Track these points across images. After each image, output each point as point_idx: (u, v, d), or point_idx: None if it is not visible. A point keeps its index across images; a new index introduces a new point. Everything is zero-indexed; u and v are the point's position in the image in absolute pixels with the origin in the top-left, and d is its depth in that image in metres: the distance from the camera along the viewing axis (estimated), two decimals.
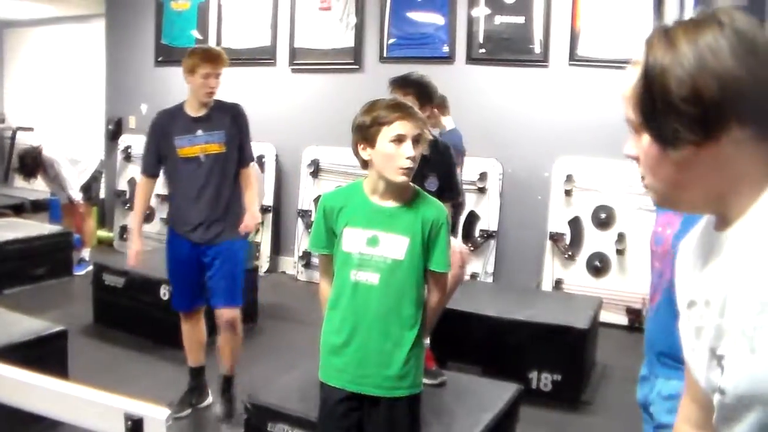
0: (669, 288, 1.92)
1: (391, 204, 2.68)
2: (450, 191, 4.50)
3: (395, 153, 2.59)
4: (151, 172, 4.32)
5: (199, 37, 8.58)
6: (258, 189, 4.63)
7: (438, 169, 3.97)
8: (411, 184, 2.72)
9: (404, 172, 2.61)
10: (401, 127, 2.60)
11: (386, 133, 2.60)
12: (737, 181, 1.22)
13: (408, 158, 2.59)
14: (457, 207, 6.14)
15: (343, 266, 2.70)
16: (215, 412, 4.33)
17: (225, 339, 4.27)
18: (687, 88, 1.16)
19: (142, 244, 4.42)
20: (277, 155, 8.15)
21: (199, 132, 4.11)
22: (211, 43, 8.35)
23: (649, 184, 1.31)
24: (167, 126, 4.19)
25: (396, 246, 2.64)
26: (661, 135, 1.21)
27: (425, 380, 3.54)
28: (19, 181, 9.51)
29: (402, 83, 4.00)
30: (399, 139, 2.59)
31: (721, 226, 1.29)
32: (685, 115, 1.17)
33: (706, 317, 1.31)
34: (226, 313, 4.22)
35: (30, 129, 10.63)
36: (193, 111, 4.16)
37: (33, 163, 7.56)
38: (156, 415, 1.63)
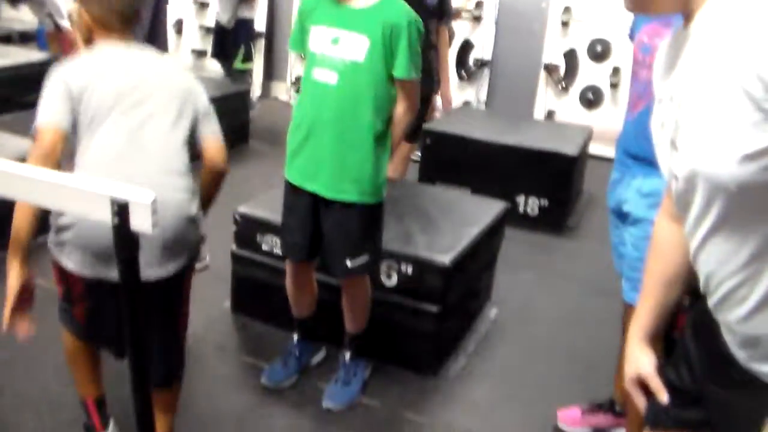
0: None
1: (356, 4, 2.64)
2: (447, 11, 4.45)
3: None
4: None
5: None
6: None
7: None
8: None
9: None
10: None
11: None
12: None
13: None
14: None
15: (308, 66, 2.72)
16: None
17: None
18: None
19: None
20: None
21: None
22: None
23: None
24: None
25: (356, 46, 2.60)
26: None
27: None
28: (6, 12, 9.23)
29: None
30: None
31: (687, 22, 1.32)
32: None
33: (668, 111, 1.36)
34: None
35: None
36: None
37: None
38: (141, 199, 1.65)
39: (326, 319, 3.18)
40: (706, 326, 1.51)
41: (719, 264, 1.36)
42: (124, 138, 2.33)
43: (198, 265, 2.82)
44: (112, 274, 1.82)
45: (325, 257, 2.92)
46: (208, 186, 2.56)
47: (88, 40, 2.50)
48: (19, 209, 2.23)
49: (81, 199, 1.71)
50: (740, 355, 1.42)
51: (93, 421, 2.70)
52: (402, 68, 2.63)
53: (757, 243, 1.28)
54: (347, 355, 3.17)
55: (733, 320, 1.40)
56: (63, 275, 2.44)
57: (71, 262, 2.34)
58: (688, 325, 1.67)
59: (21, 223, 2.23)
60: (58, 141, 2.26)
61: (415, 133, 4.57)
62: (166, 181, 2.31)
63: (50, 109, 2.30)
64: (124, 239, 1.67)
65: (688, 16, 1.32)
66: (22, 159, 3.55)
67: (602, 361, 3.16)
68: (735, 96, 1.15)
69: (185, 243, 2.41)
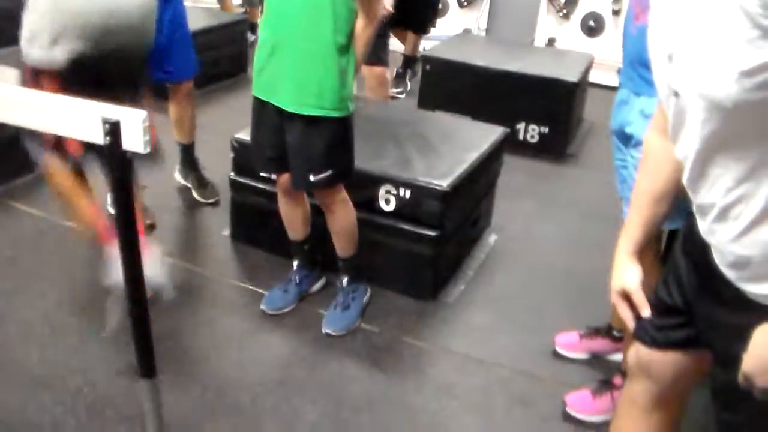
0: None
1: None
2: None
3: None
4: None
5: None
6: None
7: None
8: None
9: None
10: None
11: None
12: None
13: None
14: None
15: None
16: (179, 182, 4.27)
17: (182, 109, 4.02)
18: None
19: None
20: None
21: None
22: None
23: None
24: None
25: None
26: None
27: None
28: None
29: None
30: None
31: None
32: None
33: (665, 22, 1.34)
34: (186, 84, 3.98)
35: None
36: None
37: None
38: (132, 118, 1.62)
39: (325, 246, 3.17)
40: (696, 244, 1.51)
41: (712, 183, 1.35)
42: None
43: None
44: None
45: (291, 172, 2.91)
46: None
47: None
48: None
49: (72, 119, 1.68)
50: (730, 274, 1.42)
51: (107, 234, 2.75)
52: None
53: (752, 162, 1.26)
54: (344, 280, 3.17)
55: (724, 240, 1.39)
56: None
57: None
58: (679, 242, 1.67)
59: None
60: None
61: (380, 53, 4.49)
62: None
63: None
64: (117, 158, 1.65)
65: None
66: None
67: (601, 286, 3.14)
68: (731, 12, 1.12)
69: None
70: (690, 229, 1.55)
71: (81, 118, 1.67)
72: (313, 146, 2.77)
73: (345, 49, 2.68)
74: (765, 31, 1.10)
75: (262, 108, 2.85)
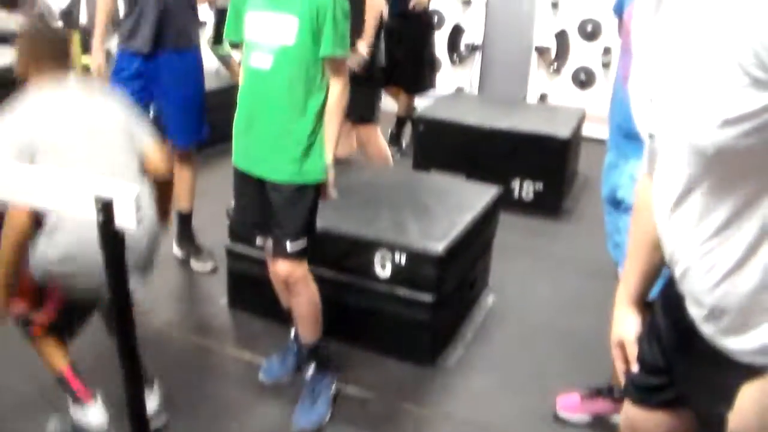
0: None
1: None
2: None
3: None
4: None
5: None
6: None
7: None
8: None
9: None
10: None
11: None
12: None
13: None
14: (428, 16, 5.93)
15: (245, 53, 2.75)
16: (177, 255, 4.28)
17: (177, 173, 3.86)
18: None
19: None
20: None
21: None
22: None
23: None
24: None
25: (286, 28, 2.61)
26: None
27: None
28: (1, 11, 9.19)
29: None
30: None
31: None
32: None
33: (649, 62, 1.37)
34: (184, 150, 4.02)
35: None
36: None
37: None
38: (125, 195, 1.62)
39: (322, 313, 3.14)
40: (673, 299, 1.50)
41: (688, 231, 1.34)
42: None
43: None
44: None
45: (272, 239, 2.89)
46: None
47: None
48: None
49: (65, 196, 1.68)
50: (706, 329, 1.40)
51: (76, 387, 2.70)
52: (327, 46, 2.63)
53: (728, 210, 1.26)
54: (310, 370, 3.03)
55: (699, 290, 1.38)
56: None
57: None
58: (658, 299, 1.66)
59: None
60: None
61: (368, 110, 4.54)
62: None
63: None
64: (110, 237, 1.65)
65: None
66: None
67: (601, 346, 3.11)
68: (720, 59, 1.12)
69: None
70: (668, 285, 1.54)
71: (73, 195, 1.67)
72: (291, 214, 2.77)
73: (319, 116, 2.71)
74: (754, 81, 1.09)
75: (241, 177, 2.87)
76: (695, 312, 1.42)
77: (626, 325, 1.67)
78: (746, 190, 1.23)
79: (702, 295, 1.37)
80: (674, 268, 1.44)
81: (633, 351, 1.65)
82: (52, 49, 2.76)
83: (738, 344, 1.35)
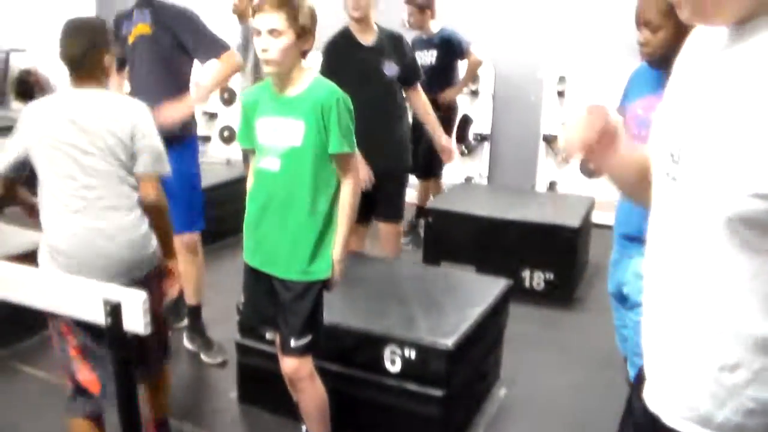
0: None
1: (290, 92, 2.74)
2: (415, 74, 4.49)
3: (257, 45, 2.68)
4: None
5: None
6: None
7: (393, 55, 4.23)
8: (316, 73, 2.80)
9: (265, 62, 2.67)
10: (256, 20, 2.65)
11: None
12: None
13: (263, 50, 2.64)
14: (451, 110, 6.12)
15: (256, 156, 2.83)
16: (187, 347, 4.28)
17: (183, 264, 3.88)
18: None
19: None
20: None
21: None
22: None
23: None
24: None
25: (293, 131, 2.69)
26: None
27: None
28: (15, 103, 9.42)
29: None
30: (256, 32, 2.66)
31: (740, 24, 1.26)
32: None
33: (674, 122, 1.36)
34: (185, 238, 4.04)
35: (22, 50, 10.43)
36: None
37: (30, 86, 7.59)
38: (133, 300, 1.65)
39: (332, 408, 3.13)
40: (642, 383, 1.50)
41: (666, 305, 1.37)
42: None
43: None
44: None
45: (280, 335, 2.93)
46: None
47: None
48: None
49: (73, 299, 1.71)
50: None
51: None
52: (334, 143, 2.70)
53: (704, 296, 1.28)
54: None
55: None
56: None
57: None
58: (635, 380, 1.66)
59: None
60: None
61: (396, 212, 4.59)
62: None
63: None
64: (119, 338, 1.67)
65: (743, 21, 1.26)
66: (28, 252, 3.61)
67: None
68: (758, 124, 1.12)
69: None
70: (640, 374, 1.55)
71: (82, 299, 1.70)
72: (297, 310, 2.79)
73: (328, 214, 2.76)
74: None
75: (252, 272, 2.91)
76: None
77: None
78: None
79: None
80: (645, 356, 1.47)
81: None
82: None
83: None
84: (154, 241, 2.85)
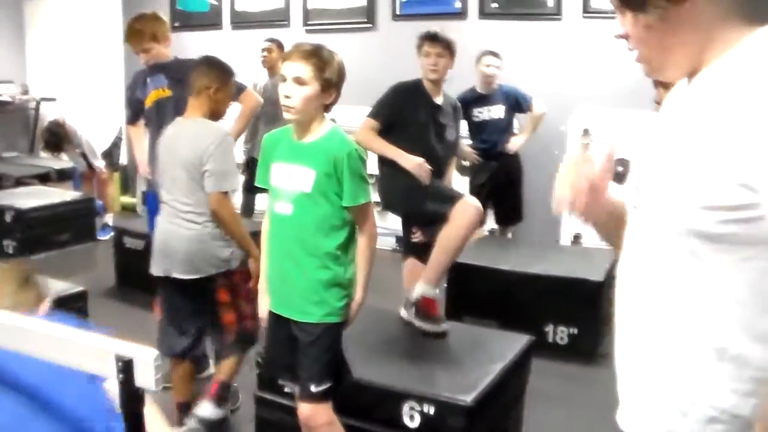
0: None
1: (306, 140, 2.82)
2: (455, 149, 4.60)
3: (281, 91, 2.77)
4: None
5: (213, 1, 8.53)
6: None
7: (453, 123, 4.40)
8: (332, 121, 2.89)
9: (286, 110, 2.75)
10: (284, 67, 2.76)
11: None
12: (712, 37, 1.31)
13: (285, 96, 2.72)
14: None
15: (271, 199, 2.90)
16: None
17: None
18: None
19: None
20: None
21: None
22: (225, 6, 8.34)
23: (641, 55, 1.42)
24: None
25: (304, 178, 2.77)
26: (633, 3, 1.35)
27: (426, 326, 3.64)
28: (43, 153, 9.59)
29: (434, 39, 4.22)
30: (282, 78, 2.75)
31: (690, 79, 1.40)
32: None
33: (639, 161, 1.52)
34: None
35: (53, 99, 10.64)
36: None
37: (58, 139, 7.79)
38: (145, 356, 1.64)
39: None
40: None
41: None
42: None
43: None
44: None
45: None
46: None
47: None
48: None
49: (85, 354, 1.71)
50: None
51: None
52: (347, 197, 2.77)
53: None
54: None
55: None
56: None
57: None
58: None
59: None
60: None
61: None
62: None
63: None
64: (130, 396, 1.66)
65: (692, 75, 1.38)
66: (56, 300, 3.64)
67: None
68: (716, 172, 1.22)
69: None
70: None
71: (94, 354, 1.69)
72: (314, 354, 2.82)
73: (343, 257, 2.82)
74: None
75: (275, 317, 2.95)
76: None
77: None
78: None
79: None
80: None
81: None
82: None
83: None
84: (222, 244, 3.58)
